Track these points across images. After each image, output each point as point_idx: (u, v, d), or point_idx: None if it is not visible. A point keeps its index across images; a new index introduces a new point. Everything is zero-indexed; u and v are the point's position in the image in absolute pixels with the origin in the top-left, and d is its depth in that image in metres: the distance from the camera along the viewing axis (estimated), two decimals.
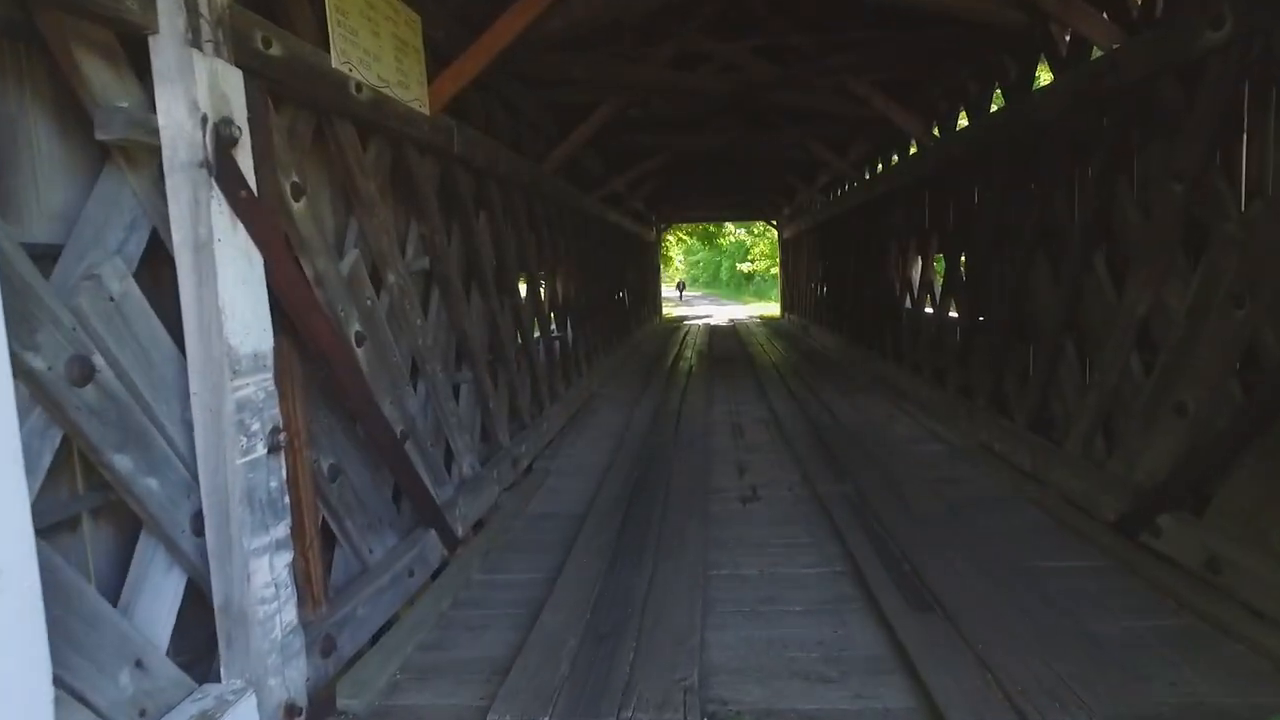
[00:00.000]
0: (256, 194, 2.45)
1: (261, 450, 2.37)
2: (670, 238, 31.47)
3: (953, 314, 7.18)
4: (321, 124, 3.34)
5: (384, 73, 3.62)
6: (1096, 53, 4.24)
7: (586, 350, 9.78)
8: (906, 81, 7.08)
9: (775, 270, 28.22)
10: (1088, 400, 4.45)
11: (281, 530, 2.46)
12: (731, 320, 23.57)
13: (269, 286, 2.49)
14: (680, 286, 42.13)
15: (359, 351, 3.46)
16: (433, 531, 3.91)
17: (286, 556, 2.48)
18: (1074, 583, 3.58)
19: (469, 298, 5.36)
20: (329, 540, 3.30)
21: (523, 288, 7.03)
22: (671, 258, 35.24)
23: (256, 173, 2.56)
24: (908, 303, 8.69)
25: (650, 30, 6.30)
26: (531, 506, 5.20)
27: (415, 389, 4.31)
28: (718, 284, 50.62)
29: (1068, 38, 4.74)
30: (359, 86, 3.38)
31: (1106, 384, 4.25)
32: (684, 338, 16.85)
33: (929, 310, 7.98)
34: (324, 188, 3.61)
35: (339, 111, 3.35)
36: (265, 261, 2.45)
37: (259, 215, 2.40)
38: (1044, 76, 5.65)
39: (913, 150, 8.30)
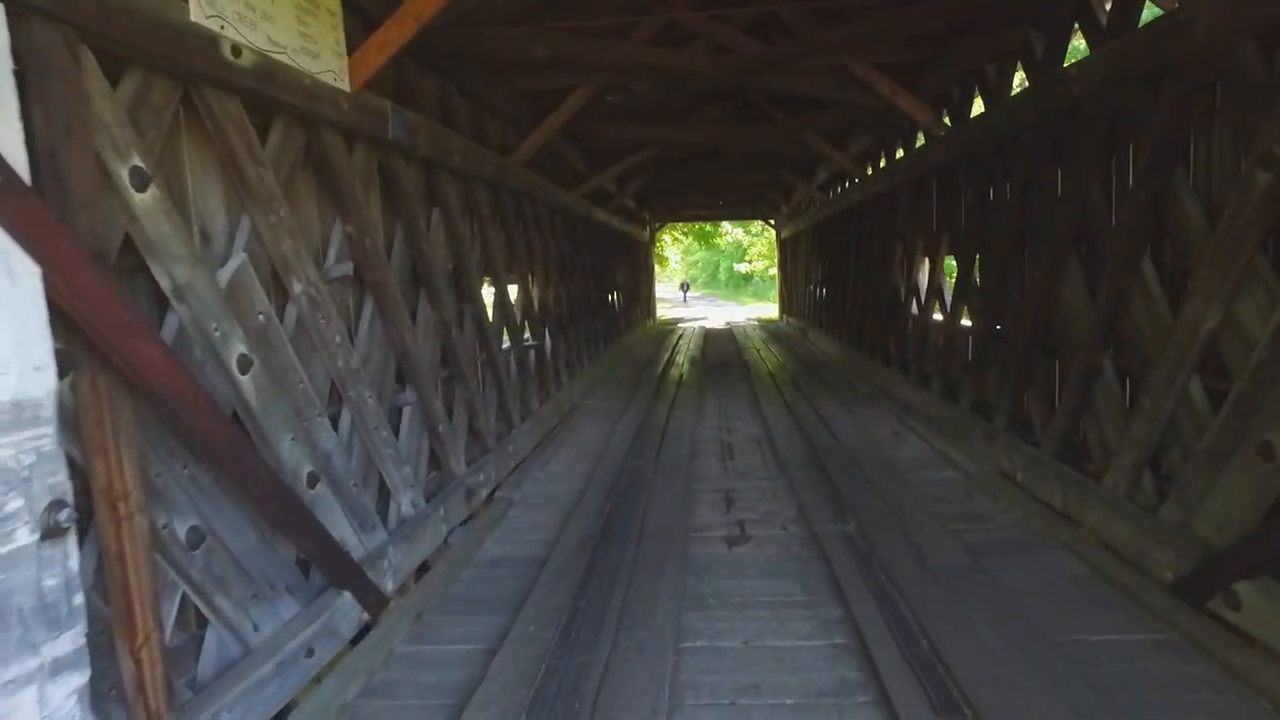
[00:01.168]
0: (31, 181, 1.76)
1: (27, 537, 1.68)
2: (666, 237, 30.75)
3: (965, 322, 6.50)
4: (191, 95, 2.66)
5: (278, 36, 2.93)
6: (1149, 17, 3.56)
7: (568, 359, 9.09)
8: (915, 65, 6.39)
9: (774, 271, 27.51)
10: (1133, 431, 3.76)
11: (67, 644, 1.77)
12: (728, 323, 22.86)
13: (54, 305, 1.81)
14: (684, 287, 41.46)
15: (243, 380, 2.78)
16: (347, 594, 3.22)
17: (76, 679, 1.79)
18: (1132, 665, 2.89)
19: (416, 307, 4.69)
20: (202, 620, 2.64)
21: (491, 294, 6.36)
22: (666, 258, 34.44)
23: (46, 151, 1.89)
24: (914, 308, 8.00)
25: (627, 5, 5.61)
26: (485, 549, 4.51)
27: (339, 418, 3.65)
28: (716, 284, 49.91)
29: (1109, 4, 4.05)
30: (237, 49, 2.68)
31: (1159, 413, 3.56)
32: (677, 342, 16.15)
33: (938, 317, 7.29)
34: (208, 177, 2.93)
35: (211, 80, 2.66)
36: (45, 274, 1.77)
37: (27, 210, 1.72)
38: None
39: (920, 143, 7.61)
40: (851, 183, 10.71)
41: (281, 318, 3.26)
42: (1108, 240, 4.03)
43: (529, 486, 5.70)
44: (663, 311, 27.75)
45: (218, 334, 2.67)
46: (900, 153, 8.35)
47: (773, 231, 24.90)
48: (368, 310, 4.02)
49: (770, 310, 26.06)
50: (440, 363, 5.05)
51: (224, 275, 2.77)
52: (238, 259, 2.86)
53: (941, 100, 6.70)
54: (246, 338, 2.81)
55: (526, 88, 6.50)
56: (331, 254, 3.70)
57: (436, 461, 4.82)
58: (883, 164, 9.23)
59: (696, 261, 51.90)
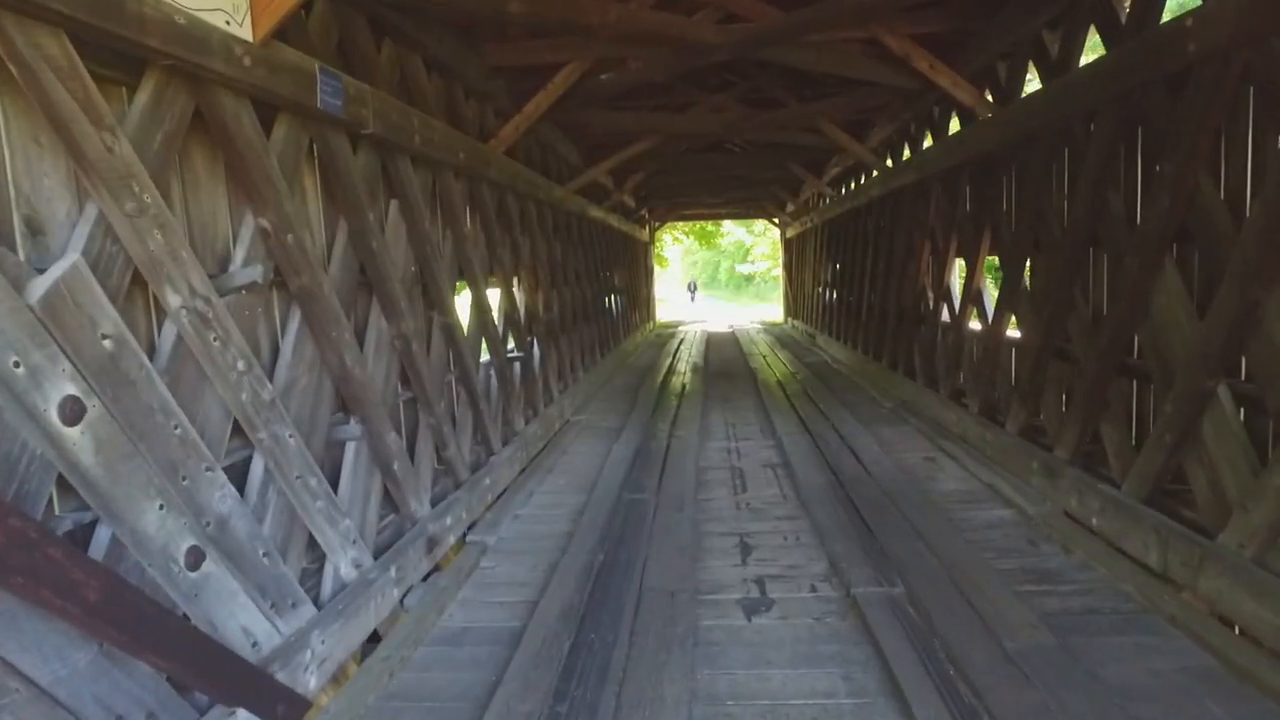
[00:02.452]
0: None
1: None
2: (667, 236, 29.86)
3: (1012, 332, 5.67)
4: None
5: None
6: None
7: (559, 370, 8.25)
8: (957, 35, 5.55)
9: (777, 272, 26.65)
10: (1272, 480, 2.93)
11: None
12: (731, 326, 22.00)
13: None
14: (692, 288, 40.74)
15: (70, 433, 1.96)
16: (239, 714, 2.39)
17: None
18: None
19: (366, 319, 3.87)
20: None
21: (467, 299, 5.54)
22: (666, 258, 33.50)
23: None
24: (944, 315, 7.16)
25: None
26: (447, 615, 3.68)
27: (250, 466, 2.83)
28: (717, 285, 49.05)
29: None
30: None
31: None
32: (678, 348, 15.29)
33: (975, 325, 6.46)
34: (43, 150, 2.11)
35: (4, 4, 1.83)
36: None
37: None
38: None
39: (954, 129, 6.77)
40: (868, 176, 9.88)
41: (153, 341, 2.45)
42: (1227, 240, 3.19)
43: (508, 527, 4.86)
44: (664, 313, 26.94)
45: (21, 370, 1.84)
46: (929, 140, 7.51)
47: (776, 231, 24.05)
48: (294, 325, 3.20)
49: (774, 312, 25.23)
50: (400, 384, 4.23)
51: (38, 286, 1.93)
52: (66, 262, 2.03)
53: (984, 79, 5.86)
54: (78, 372, 1.99)
55: (505, 62, 5.67)
56: (239, 255, 2.87)
57: (393, 504, 4.00)
58: (905, 155, 8.39)
59: (696, 262, 51.06)
